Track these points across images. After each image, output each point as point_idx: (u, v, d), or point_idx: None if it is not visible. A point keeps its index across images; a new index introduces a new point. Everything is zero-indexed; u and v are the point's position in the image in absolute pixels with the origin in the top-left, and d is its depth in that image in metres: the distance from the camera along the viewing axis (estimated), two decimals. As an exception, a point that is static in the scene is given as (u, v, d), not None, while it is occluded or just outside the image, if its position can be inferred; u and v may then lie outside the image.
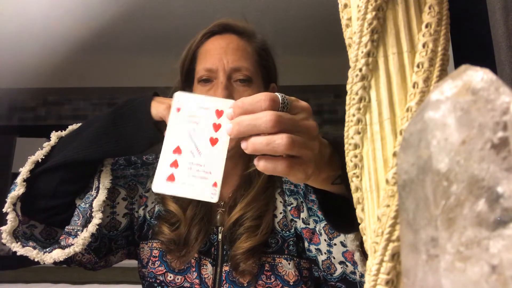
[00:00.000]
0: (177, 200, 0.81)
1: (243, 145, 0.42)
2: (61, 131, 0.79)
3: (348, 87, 0.31)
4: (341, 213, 0.51)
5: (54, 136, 0.78)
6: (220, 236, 0.80)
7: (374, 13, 0.28)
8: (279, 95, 0.43)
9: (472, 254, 0.18)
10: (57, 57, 3.53)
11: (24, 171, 0.72)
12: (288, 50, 3.55)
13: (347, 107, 0.31)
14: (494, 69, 0.98)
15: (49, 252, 0.69)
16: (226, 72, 0.79)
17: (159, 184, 0.45)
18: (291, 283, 0.75)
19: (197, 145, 0.45)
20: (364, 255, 0.56)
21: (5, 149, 3.91)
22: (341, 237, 0.72)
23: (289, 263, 0.76)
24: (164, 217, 0.81)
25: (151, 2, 2.96)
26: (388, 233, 0.26)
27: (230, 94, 0.78)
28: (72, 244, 0.70)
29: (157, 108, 0.70)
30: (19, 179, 0.71)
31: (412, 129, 0.22)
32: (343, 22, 0.32)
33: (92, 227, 0.70)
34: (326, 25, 2.44)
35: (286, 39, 3.36)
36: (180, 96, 0.47)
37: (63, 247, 0.70)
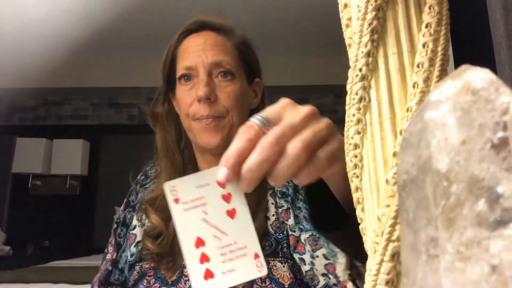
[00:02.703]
0: (160, 211, 0.79)
1: (272, 182, 0.37)
2: None
3: (348, 87, 0.31)
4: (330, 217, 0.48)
5: None
6: None
7: (374, 13, 0.28)
8: (252, 120, 0.38)
9: (472, 254, 0.18)
10: (57, 57, 3.54)
11: None
12: (288, 50, 3.55)
13: (347, 107, 0.31)
14: (494, 69, 0.98)
15: None
16: (206, 68, 0.78)
17: (200, 287, 0.39)
18: (286, 286, 0.74)
19: (217, 226, 0.39)
20: (355, 285, 0.54)
21: (5, 149, 3.91)
22: (324, 250, 0.70)
23: (283, 266, 0.75)
24: (147, 231, 0.81)
25: (151, 2, 2.97)
26: (388, 233, 0.26)
27: (212, 91, 0.76)
28: None
29: None
30: None
31: (412, 129, 0.22)
32: (343, 22, 0.32)
33: None
34: (326, 25, 2.44)
35: (286, 40, 3.36)
36: (171, 185, 0.40)
37: None
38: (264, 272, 0.39)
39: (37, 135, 3.86)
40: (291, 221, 0.76)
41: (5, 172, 3.91)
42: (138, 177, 0.95)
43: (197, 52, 0.79)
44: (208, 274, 0.39)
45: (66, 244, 3.76)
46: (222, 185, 0.39)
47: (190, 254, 0.39)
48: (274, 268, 0.74)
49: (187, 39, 0.84)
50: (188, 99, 0.79)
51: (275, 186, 0.38)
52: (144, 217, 0.83)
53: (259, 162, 0.35)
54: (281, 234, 0.77)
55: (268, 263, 0.74)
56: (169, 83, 0.86)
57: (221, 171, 0.37)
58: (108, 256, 0.88)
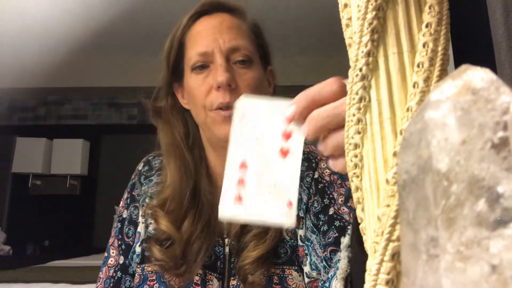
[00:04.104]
0: (171, 214, 0.72)
1: (321, 146, 0.35)
2: None
3: (348, 87, 0.31)
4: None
5: None
6: (227, 249, 0.73)
7: (374, 12, 0.28)
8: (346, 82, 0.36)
9: (472, 254, 0.18)
10: (57, 57, 3.54)
11: None
12: (288, 50, 3.55)
13: (347, 107, 0.31)
14: (494, 69, 0.98)
15: None
16: (224, 53, 0.70)
17: (227, 208, 0.38)
18: None
19: (265, 158, 0.38)
20: None
21: (5, 149, 3.91)
22: (308, 267, 0.68)
23: (299, 275, 0.70)
24: (154, 236, 0.73)
25: (151, 2, 2.97)
26: (388, 233, 0.26)
27: (232, 77, 0.69)
28: None
29: None
30: None
31: (412, 129, 0.22)
32: (343, 22, 0.32)
33: None
34: (326, 25, 2.44)
35: (286, 39, 3.36)
36: (243, 101, 0.39)
37: None
38: (290, 223, 0.37)
39: (37, 135, 3.86)
40: (302, 232, 0.71)
41: (5, 172, 3.91)
42: (141, 168, 0.86)
43: (213, 36, 0.71)
44: (238, 198, 0.38)
45: (66, 244, 3.77)
46: (289, 120, 0.38)
47: (230, 172, 0.38)
48: (290, 277, 0.70)
49: (199, 22, 0.75)
50: (204, 87, 0.70)
51: (324, 153, 0.35)
52: (149, 218, 0.76)
53: (329, 114, 0.34)
54: (295, 241, 0.72)
55: (283, 271, 0.70)
56: (175, 73, 0.77)
57: (291, 107, 0.36)
58: (112, 261, 0.79)
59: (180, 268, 0.70)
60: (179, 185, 0.74)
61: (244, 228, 0.71)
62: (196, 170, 0.76)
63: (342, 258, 0.47)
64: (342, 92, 0.34)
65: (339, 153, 0.34)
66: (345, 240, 0.47)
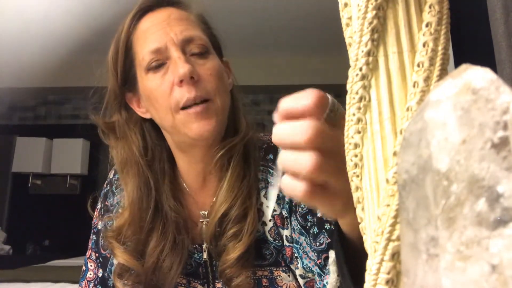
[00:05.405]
0: (129, 241, 0.68)
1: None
2: None
3: (348, 86, 0.31)
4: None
5: None
6: (205, 255, 0.70)
7: (374, 12, 0.28)
8: (329, 97, 0.35)
9: (472, 254, 0.18)
10: (57, 57, 3.53)
11: None
12: (288, 50, 3.55)
13: (347, 107, 0.31)
14: (494, 69, 0.98)
15: None
16: (179, 46, 0.65)
17: None
18: None
19: None
20: None
21: (5, 149, 3.91)
22: (300, 270, 0.66)
23: (288, 275, 0.68)
24: (115, 270, 0.69)
25: (151, 2, 2.96)
26: (388, 233, 0.26)
27: (193, 68, 0.64)
28: None
29: None
30: None
31: (412, 128, 0.22)
32: (343, 21, 0.32)
33: None
34: (326, 25, 2.44)
35: (286, 39, 3.36)
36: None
37: None
38: None
39: (37, 135, 3.87)
40: (287, 232, 0.68)
41: (5, 172, 3.92)
42: (112, 176, 0.82)
43: (163, 30, 0.66)
44: None
45: (66, 244, 3.77)
46: None
47: None
48: (279, 278, 0.68)
49: (144, 20, 0.70)
50: (165, 86, 0.65)
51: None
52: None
53: (286, 134, 0.34)
54: (280, 241, 0.69)
55: (271, 273, 0.68)
56: (126, 81, 0.72)
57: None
58: (90, 275, 0.76)
59: (156, 284, 0.68)
60: (138, 207, 0.68)
61: (220, 230, 0.68)
62: (157, 186, 0.71)
63: (331, 273, 0.46)
64: (314, 110, 0.34)
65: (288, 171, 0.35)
66: (332, 255, 0.45)
